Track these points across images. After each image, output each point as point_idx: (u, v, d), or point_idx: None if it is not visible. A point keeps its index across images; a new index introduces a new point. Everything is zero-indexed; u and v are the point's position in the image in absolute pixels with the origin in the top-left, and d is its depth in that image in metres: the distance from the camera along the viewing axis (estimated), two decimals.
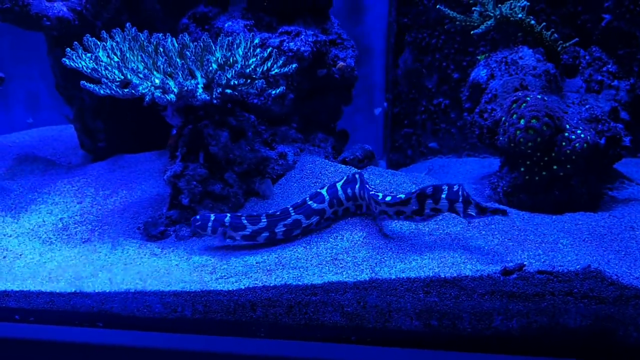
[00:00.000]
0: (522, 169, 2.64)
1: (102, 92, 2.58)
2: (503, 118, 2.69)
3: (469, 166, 3.63)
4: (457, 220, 2.40)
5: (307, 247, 2.43)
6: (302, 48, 2.94)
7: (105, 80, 2.57)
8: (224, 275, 2.29)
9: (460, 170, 3.55)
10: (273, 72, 2.69)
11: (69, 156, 4.03)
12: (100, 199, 3.11)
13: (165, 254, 2.54)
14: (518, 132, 2.57)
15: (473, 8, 3.11)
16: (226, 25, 3.03)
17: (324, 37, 3.08)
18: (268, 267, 2.30)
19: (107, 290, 2.26)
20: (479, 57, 3.15)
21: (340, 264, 2.26)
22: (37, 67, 5.03)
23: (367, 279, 2.10)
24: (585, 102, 2.89)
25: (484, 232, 2.32)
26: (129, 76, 2.58)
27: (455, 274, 2.06)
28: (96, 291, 2.26)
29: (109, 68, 2.59)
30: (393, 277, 2.09)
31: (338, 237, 2.46)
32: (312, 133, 3.15)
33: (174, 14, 3.33)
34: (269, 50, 2.71)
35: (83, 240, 2.77)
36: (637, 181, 3.04)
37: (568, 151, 2.57)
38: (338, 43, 3.19)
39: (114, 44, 2.67)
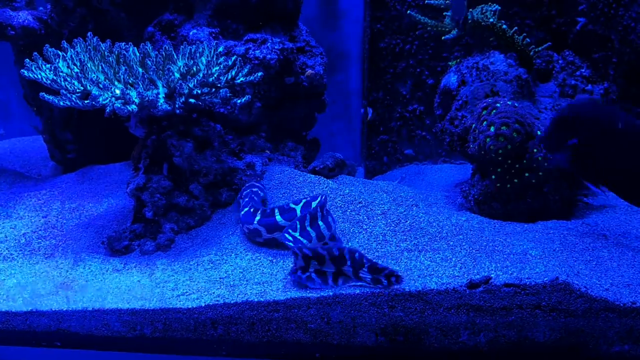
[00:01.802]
0: (494, 177, 2.58)
1: (61, 103, 2.51)
2: (473, 125, 2.63)
3: (444, 173, 3.58)
4: (425, 231, 2.35)
5: (274, 260, 2.36)
6: (268, 56, 2.87)
7: (64, 92, 2.49)
8: (186, 292, 2.22)
9: (435, 177, 3.50)
10: (238, 81, 2.62)
11: (39, 168, 3.95)
12: (66, 212, 3.03)
13: (128, 269, 2.47)
14: (488, 139, 2.52)
15: (444, 13, 3.05)
16: (191, 33, 2.96)
17: (291, 44, 3.01)
18: (232, 283, 2.23)
19: (65, 309, 2.18)
20: (450, 63, 3.10)
21: None
22: (8, 77, 4.95)
23: (331, 294, 2.04)
24: (559, 107, 2.84)
25: (451, 242, 2.26)
26: (88, 87, 2.51)
27: (420, 288, 2.00)
28: (53, 310, 2.19)
29: (69, 79, 2.52)
30: (357, 291, 2.03)
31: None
32: (282, 142, 3.08)
33: (140, 22, 3.26)
34: (233, 58, 2.65)
35: (46, 256, 2.68)
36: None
37: (540, 158, 2.52)
38: (306, 50, 3.13)
39: (74, 54, 2.59)
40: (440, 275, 2.06)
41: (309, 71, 3.03)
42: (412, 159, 3.89)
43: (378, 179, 3.84)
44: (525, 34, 3.01)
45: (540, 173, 2.53)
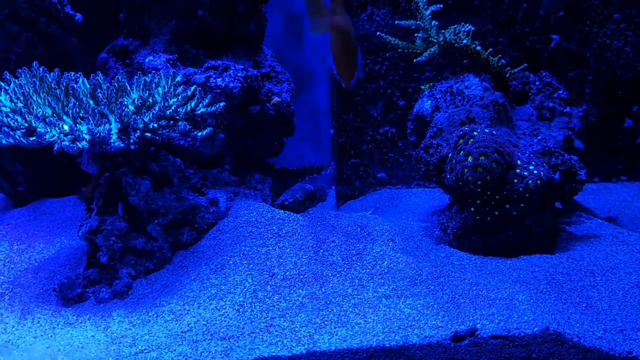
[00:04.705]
0: (472, 209, 2.44)
1: (3, 141, 2.29)
2: (450, 155, 2.49)
3: (419, 198, 3.42)
4: (404, 274, 2.18)
5: (240, 309, 2.17)
6: (231, 84, 2.69)
7: (7, 129, 2.28)
8: (145, 349, 2.02)
9: (410, 204, 3.34)
10: (199, 112, 2.44)
11: None
12: (14, 255, 2.79)
13: (81, 322, 2.25)
14: (466, 170, 2.38)
15: (415, 34, 2.91)
16: (147, 60, 2.75)
17: (254, 71, 2.83)
18: (194, 338, 2.04)
19: None
20: (422, 87, 2.95)
21: (276, 330, 2.01)
22: None
23: (304, 352, 1.86)
24: (538, 132, 2.72)
25: (432, 287, 2.10)
26: (33, 123, 2.29)
27: (401, 342, 1.84)
28: None
29: (11, 114, 2.30)
30: (333, 348, 1.85)
31: (275, 296, 2.21)
32: (248, 174, 2.89)
33: (94, 47, 3.04)
34: (192, 88, 2.46)
35: None
36: (596, 213, 2.89)
37: (521, 189, 2.39)
38: (272, 76, 2.96)
39: (17, 86, 2.38)
40: (422, 326, 1.90)
41: (275, 99, 2.86)
42: (385, 182, 3.74)
43: (351, 205, 3.69)
44: (500, 55, 2.89)
45: (522, 205, 2.40)
